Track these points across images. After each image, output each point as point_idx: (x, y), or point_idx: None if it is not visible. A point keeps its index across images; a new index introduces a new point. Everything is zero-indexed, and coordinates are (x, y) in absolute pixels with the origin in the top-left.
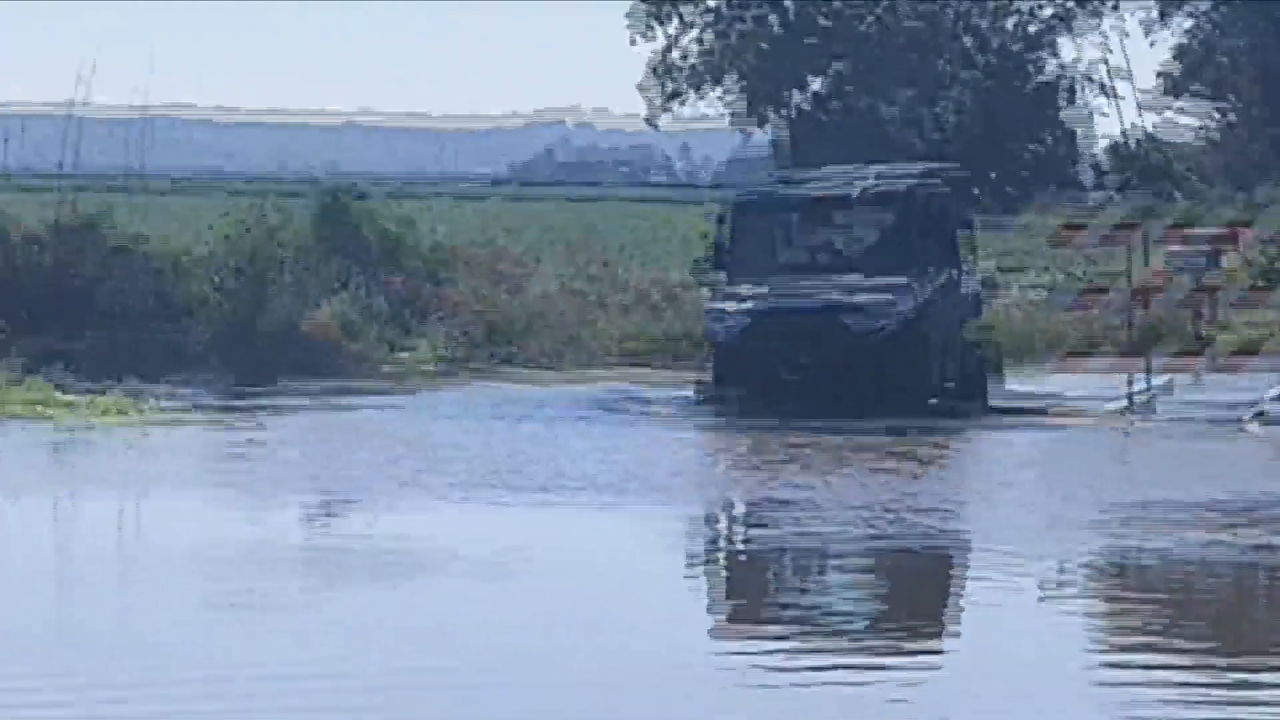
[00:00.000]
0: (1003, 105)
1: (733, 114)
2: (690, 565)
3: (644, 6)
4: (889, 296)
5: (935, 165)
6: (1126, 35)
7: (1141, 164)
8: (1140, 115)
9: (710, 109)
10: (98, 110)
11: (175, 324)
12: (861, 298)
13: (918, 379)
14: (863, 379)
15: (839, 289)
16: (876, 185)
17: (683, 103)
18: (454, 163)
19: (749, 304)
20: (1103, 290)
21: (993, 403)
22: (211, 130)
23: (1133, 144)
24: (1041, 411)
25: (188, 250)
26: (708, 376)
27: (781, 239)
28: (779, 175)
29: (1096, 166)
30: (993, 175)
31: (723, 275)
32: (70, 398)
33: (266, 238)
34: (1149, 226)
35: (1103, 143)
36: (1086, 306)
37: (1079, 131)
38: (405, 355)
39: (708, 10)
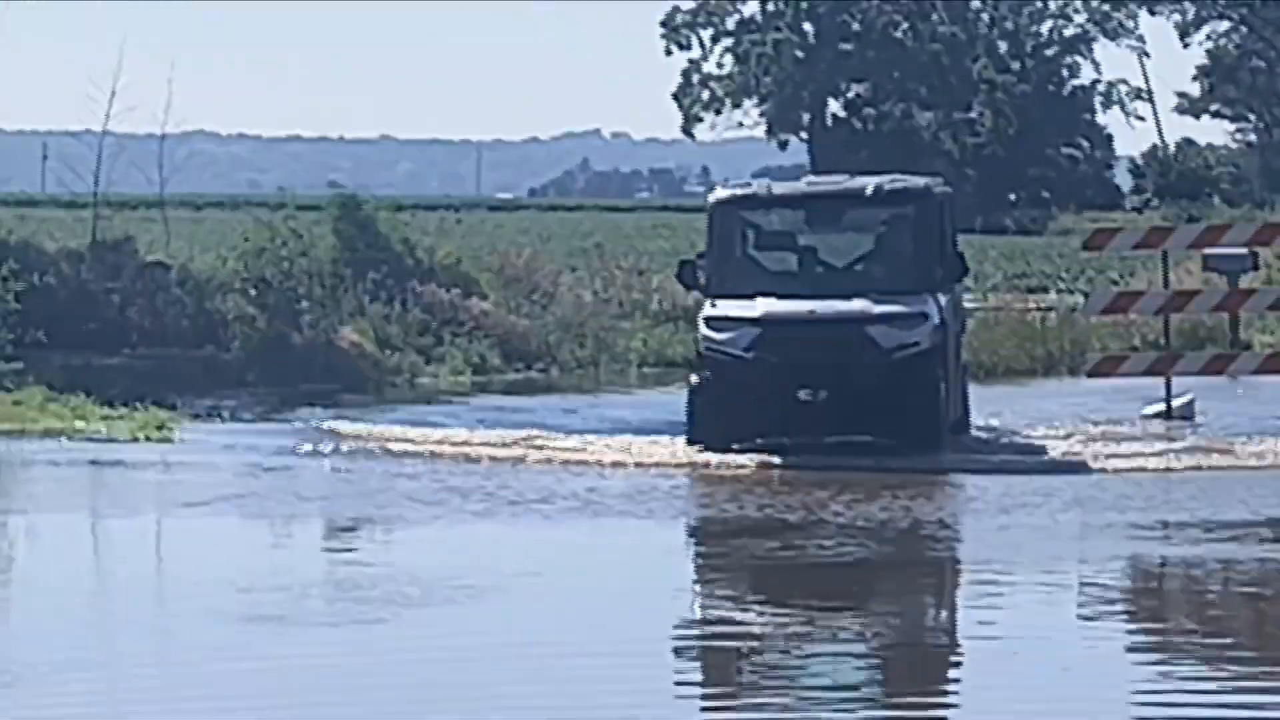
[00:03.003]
0: (1038, 110)
1: (768, 123)
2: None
3: (681, 15)
4: (918, 308)
5: (931, 178)
6: (1147, 55)
7: (1179, 169)
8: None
9: (746, 119)
10: (131, 129)
11: (210, 341)
12: (889, 307)
13: (939, 405)
14: (886, 403)
15: (860, 296)
16: (893, 181)
17: (718, 112)
18: (490, 176)
19: (757, 310)
20: (1139, 294)
21: (976, 433)
22: (247, 147)
23: (1170, 148)
24: (1040, 450)
25: (219, 268)
26: (703, 393)
27: (776, 244)
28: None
29: (1134, 170)
30: (1030, 178)
31: (702, 288)
32: (108, 412)
33: (298, 253)
34: (1183, 232)
35: (1139, 147)
36: (1122, 310)
37: (1114, 136)
38: (438, 368)
39: (741, 20)
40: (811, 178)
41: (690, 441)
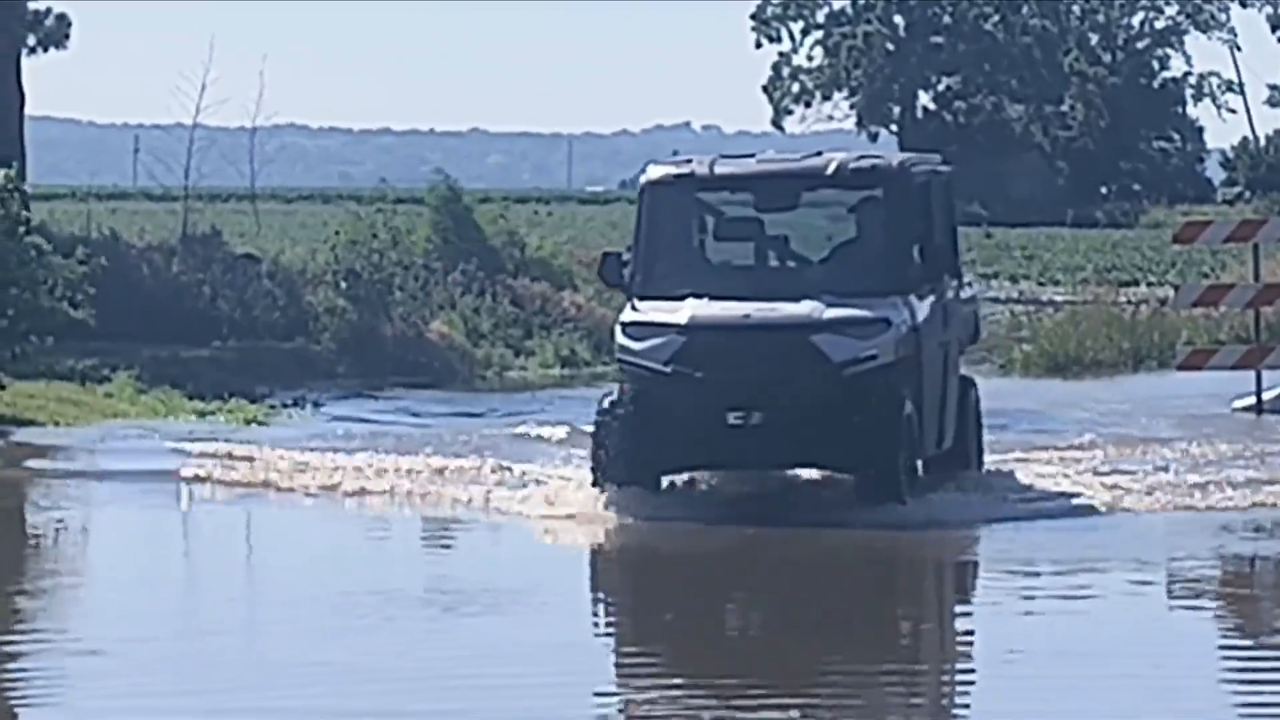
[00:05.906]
0: (1129, 103)
1: (858, 116)
2: None
3: (771, 8)
4: (881, 312)
5: (916, 155)
6: (1238, 47)
7: (1270, 161)
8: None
9: (835, 111)
10: (222, 122)
11: (300, 333)
12: (843, 311)
13: (898, 432)
14: (833, 429)
15: (808, 299)
16: (861, 158)
17: (808, 104)
18: (580, 168)
19: (683, 314)
20: (1229, 287)
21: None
22: (337, 140)
23: (1262, 141)
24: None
25: (310, 260)
26: (613, 417)
27: (724, 233)
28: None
29: (1226, 163)
30: (1122, 170)
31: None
32: (200, 405)
33: (389, 244)
34: (1274, 224)
35: (1231, 140)
36: (1212, 303)
37: (1205, 129)
38: (527, 360)
39: (831, 13)
40: (770, 153)
41: (595, 483)
